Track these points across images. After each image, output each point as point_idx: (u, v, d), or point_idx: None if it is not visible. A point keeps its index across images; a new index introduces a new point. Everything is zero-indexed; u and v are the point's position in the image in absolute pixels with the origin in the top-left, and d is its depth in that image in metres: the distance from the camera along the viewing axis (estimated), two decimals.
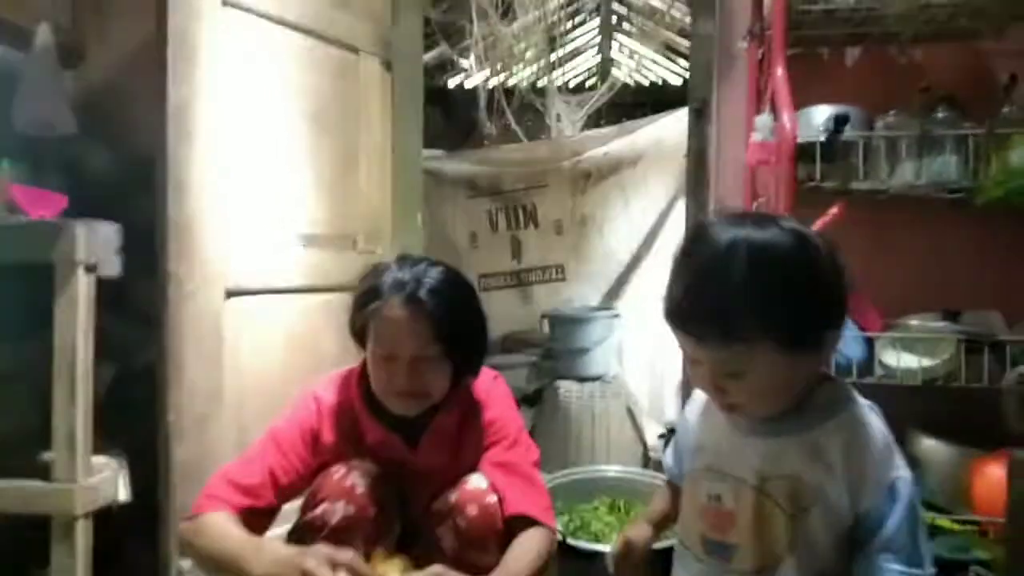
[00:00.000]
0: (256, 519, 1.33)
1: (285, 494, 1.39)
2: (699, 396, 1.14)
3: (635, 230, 3.22)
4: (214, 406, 1.72)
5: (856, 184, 1.77)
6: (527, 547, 1.32)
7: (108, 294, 1.69)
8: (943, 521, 1.64)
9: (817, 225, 1.72)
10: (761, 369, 0.92)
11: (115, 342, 1.93)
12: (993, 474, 1.63)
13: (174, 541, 1.63)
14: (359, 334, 1.42)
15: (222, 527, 1.28)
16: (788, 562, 0.96)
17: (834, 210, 1.72)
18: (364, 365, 1.42)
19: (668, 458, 1.23)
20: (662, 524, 1.22)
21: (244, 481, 1.35)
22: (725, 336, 0.92)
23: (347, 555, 1.15)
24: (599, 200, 3.24)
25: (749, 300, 0.90)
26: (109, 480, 1.64)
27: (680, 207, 2.98)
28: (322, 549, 1.16)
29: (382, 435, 1.43)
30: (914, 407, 1.89)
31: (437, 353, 1.34)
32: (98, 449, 1.66)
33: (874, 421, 0.97)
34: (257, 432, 1.69)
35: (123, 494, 1.66)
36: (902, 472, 0.94)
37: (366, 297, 1.37)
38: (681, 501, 1.12)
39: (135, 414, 1.77)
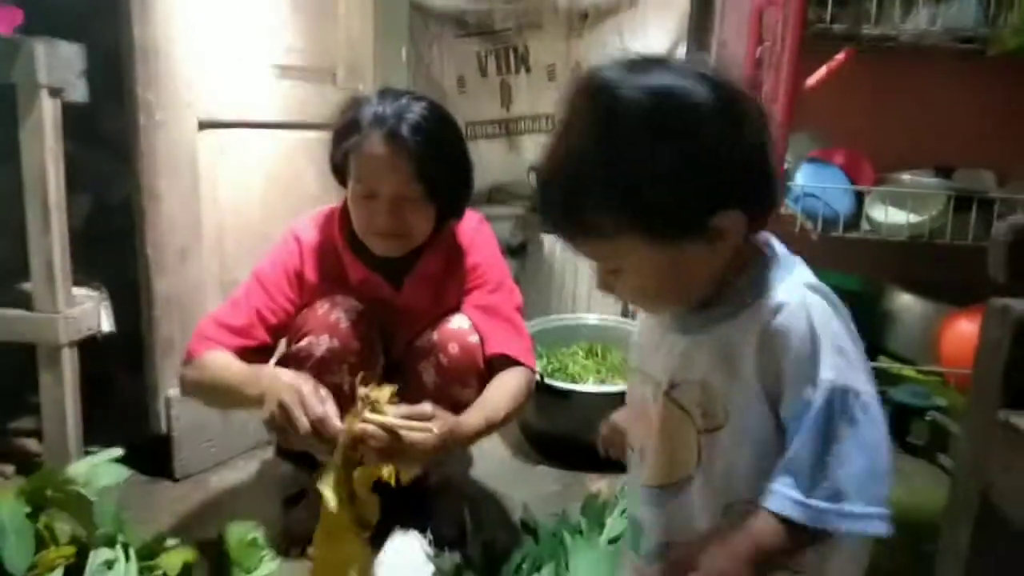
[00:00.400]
0: (251, 357, 1.35)
1: (276, 332, 1.40)
2: None
3: None
4: (193, 240, 1.70)
5: (867, 29, 1.68)
6: (506, 384, 1.35)
7: (78, 123, 1.62)
8: (908, 371, 1.71)
9: (821, 72, 1.65)
10: (634, 264, 0.74)
11: (89, 174, 1.87)
12: (962, 328, 1.68)
13: (160, 371, 1.66)
14: (339, 170, 1.37)
15: (222, 361, 1.31)
16: (696, 484, 0.80)
17: (840, 56, 1.65)
18: (346, 204, 1.39)
19: None
20: None
21: (233, 323, 1.35)
22: (577, 227, 0.74)
23: (321, 408, 1.13)
24: (595, 44, 3.07)
25: (594, 181, 0.70)
26: (91, 311, 1.64)
27: (680, 55, 2.85)
28: (304, 388, 1.15)
29: (365, 275, 1.42)
30: (897, 263, 1.92)
31: (419, 193, 1.30)
32: (80, 282, 1.66)
33: (802, 307, 0.73)
34: (239, 268, 1.69)
35: (106, 325, 1.68)
36: (826, 374, 0.70)
37: (345, 131, 1.32)
38: None
39: (115, 247, 1.75)
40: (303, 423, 1.11)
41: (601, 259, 0.78)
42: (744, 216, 0.72)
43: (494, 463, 1.87)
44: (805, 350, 0.71)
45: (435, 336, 1.41)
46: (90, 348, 1.66)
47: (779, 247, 0.80)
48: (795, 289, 0.75)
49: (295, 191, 1.91)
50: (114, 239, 1.76)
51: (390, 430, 1.09)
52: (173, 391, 1.67)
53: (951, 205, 1.64)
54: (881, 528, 0.70)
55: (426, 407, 1.17)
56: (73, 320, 1.58)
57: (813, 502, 0.69)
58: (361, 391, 1.11)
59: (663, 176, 0.68)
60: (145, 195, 1.59)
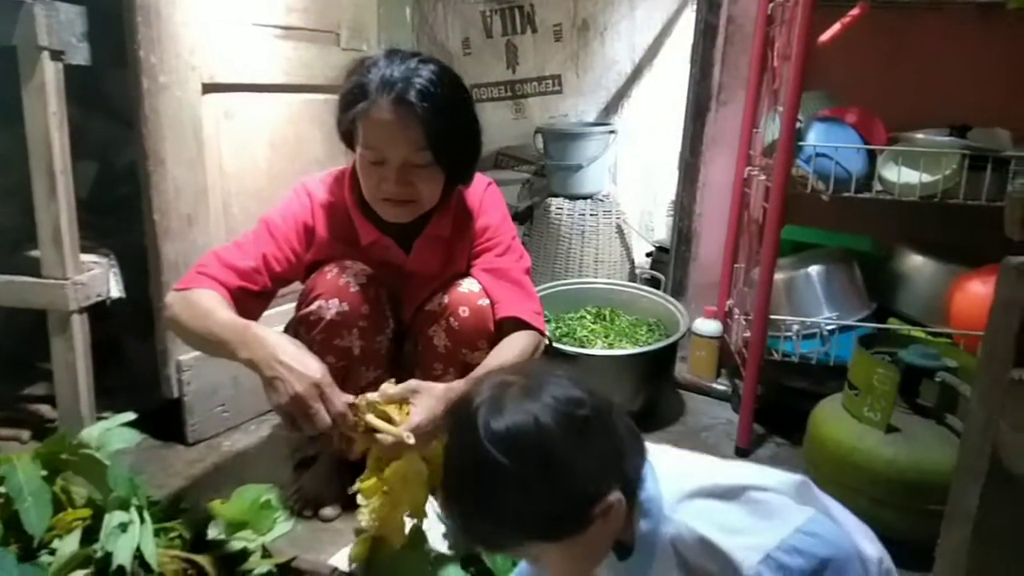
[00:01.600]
0: (250, 300, 1.33)
1: (279, 280, 1.39)
2: None
3: (639, 39, 3.03)
4: (200, 205, 1.69)
5: None
6: (513, 345, 1.34)
7: (82, 88, 1.60)
8: (918, 332, 1.70)
9: (836, 28, 1.61)
10: (550, 557, 0.84)
11: (94, 140, 1.87)
12: (973, 290, 1.67)
13: (170, 336, 1.67)
14: (347, 135, 1.36)
15: (211, 305, 1.23)
16: None
17: (854, 11, 1.61)
18: (355, 165, 1.37)
19: None
20: None
21: (238, 264, 1.32)
22: (490, 548, 0.96)
23: (342, 403, 1.12)
24: (602, 3, 3.01)
25: (485, 522, 0.81)
26: (100, 277, 1.65)
27: (688, 14, 2.79)
28: (322, 379, 1.11)
29: (376, 237, 1.41)
30: (908, 223, 1.89)
31: (427, 159, 1.29)
32: (88, 248, 1.66)
33: (684, 533, 0.81)
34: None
35: (115, 291, 1.68)
36: (748, 567, 0.76)
37: (352, 96, 1.29)
38: None
39: (122, 213, 1.75)
40: (324, 420, 1.10)
41: (521, 557, 0.94)
42: (619, 490, 0.80)
43: None
44: (717, 565, 0.78)
45: (445, 299, 1.41)
46: (100, 314, 1.67)
47: (650, 476, 0.85)
48: (675, 517, 0.82)
49: (301, 154, 1.90)
50: (121, 205, 1.76)
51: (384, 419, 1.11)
52: (184, 356, 1.68)
53: (965, 164, 1.61)
54: None
55: (411, 383, 1.17)
56: (82, 286, 1.58)
57: None
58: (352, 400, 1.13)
59: (541, 507, 0.77)
60: (150, 160, 1.58)
